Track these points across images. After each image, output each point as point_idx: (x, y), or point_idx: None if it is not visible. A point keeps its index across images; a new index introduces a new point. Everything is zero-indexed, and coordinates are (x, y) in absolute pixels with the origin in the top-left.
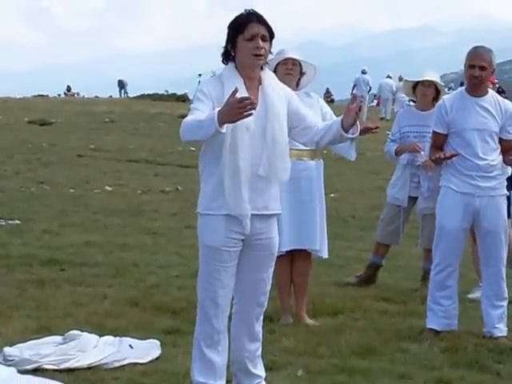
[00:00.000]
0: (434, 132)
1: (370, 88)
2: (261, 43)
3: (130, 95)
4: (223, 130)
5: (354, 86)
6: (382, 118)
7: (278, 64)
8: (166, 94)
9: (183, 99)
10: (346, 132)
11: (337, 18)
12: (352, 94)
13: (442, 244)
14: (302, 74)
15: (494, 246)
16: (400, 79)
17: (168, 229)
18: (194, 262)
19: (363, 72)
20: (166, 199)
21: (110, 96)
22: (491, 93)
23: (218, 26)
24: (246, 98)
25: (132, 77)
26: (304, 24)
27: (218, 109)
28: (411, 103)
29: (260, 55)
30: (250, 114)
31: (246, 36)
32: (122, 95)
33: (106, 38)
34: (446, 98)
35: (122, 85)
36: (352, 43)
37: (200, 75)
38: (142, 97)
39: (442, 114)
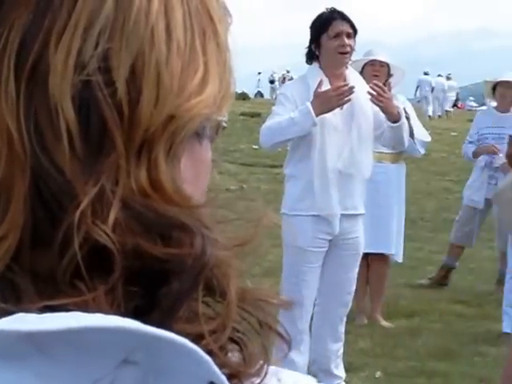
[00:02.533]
0: (510, 136)
1: (433, 89)
2: (346, 41)
3: None
4: (317, 122)
5: (418, 87)
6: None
7: (365, 64)
8: None
9: (243, 97)
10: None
11: (395, 18)
12: (415, 94)
13: None
14: (389, 75)
15: None
16: (448, 78)
17: None
18: None
19: (425, 73)
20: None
21: None
22: None
23: (276, 26)
24: (344, 85)
25: None
26: (363, 23)
27: (308, 103)
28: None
29: (345, 53)
30: (349, 100)
31: (330, 34)
32: None
33: None
34: None
35: None
36: (411, 43)
37: (260, 73)
38: None
39: None
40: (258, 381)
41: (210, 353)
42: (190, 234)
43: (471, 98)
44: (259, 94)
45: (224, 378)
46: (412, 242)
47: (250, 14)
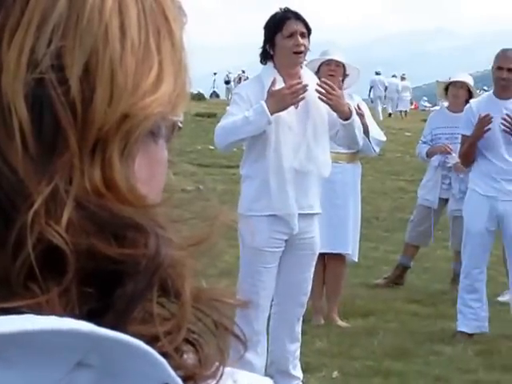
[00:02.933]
0: (462, 135)
1: (386, 88)
2: (300, 40)
3: None
4: (272, 120)
5: (371, 87)
6: (390, 114)
7: (321, 64)
8: None
9: (199, 98)
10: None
11: (349, 18)
12: (369, 95)
13: (468, 247)
14: (345, 75)
15: None
16: (402, 78)
17: None
18: None
19: (377, 73)
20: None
21: None
22: None
23: (229, 27)
24: (297, 83)
25: None
26: (316, 23)
27: (262, 102)
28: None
29: (300, 52)
30: (303, 98)
31: (284, 34)
32: None
33: None
34: (473, 101)
35: None
36: (365, 44)
37: (215, 74)
38: None
39: (470, 118)
40: (214, 382)
41: (164, 354)
42: (144, 234)
43: (425, 98)
44: (215, 95)
45: (179, 380)
46: (367, 241)
47: (205, 13)
